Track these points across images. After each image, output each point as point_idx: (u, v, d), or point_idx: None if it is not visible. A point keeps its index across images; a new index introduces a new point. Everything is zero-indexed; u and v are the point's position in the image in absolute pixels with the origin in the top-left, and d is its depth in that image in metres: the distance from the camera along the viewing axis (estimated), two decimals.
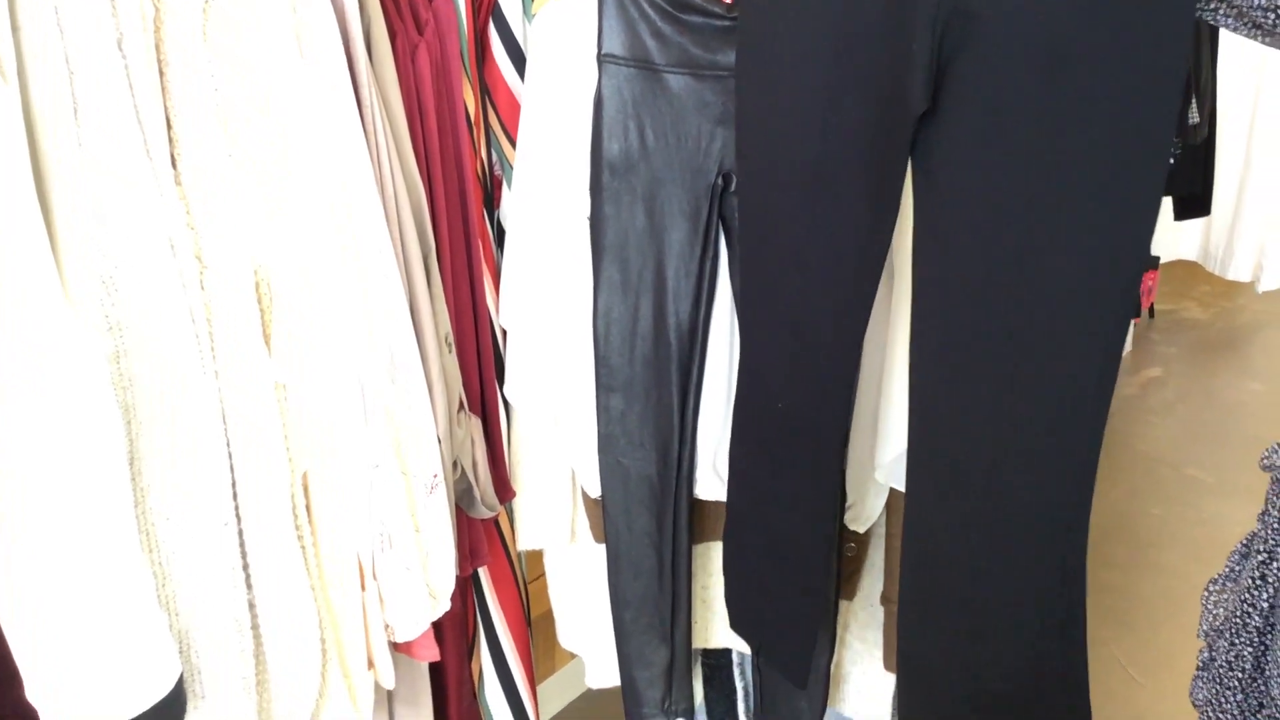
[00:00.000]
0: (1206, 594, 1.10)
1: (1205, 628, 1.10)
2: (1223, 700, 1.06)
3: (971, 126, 1.11)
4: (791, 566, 1.43)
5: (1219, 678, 1.06)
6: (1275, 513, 1.00)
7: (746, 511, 1.45)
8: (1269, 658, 1.00)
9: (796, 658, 1.48)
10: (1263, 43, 0.97)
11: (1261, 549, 1.00)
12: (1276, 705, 0.97)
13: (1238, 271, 4.06)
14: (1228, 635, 1.05)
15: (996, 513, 1.18)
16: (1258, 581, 1.00)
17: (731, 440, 1.43)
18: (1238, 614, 1.03)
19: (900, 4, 1.10)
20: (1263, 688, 1.02)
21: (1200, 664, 1.10)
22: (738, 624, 1.57)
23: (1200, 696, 1.09)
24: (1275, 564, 0.99)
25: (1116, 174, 1.06)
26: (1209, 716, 1.08)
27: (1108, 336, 1.11)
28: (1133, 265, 0.98)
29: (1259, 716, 1.03)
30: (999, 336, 1.14)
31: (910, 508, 1.26)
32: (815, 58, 1.18)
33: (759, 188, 1.30)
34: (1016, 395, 1.15)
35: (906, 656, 1.32)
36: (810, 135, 1.20)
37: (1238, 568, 1.05)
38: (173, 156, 1.07)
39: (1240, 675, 1.04)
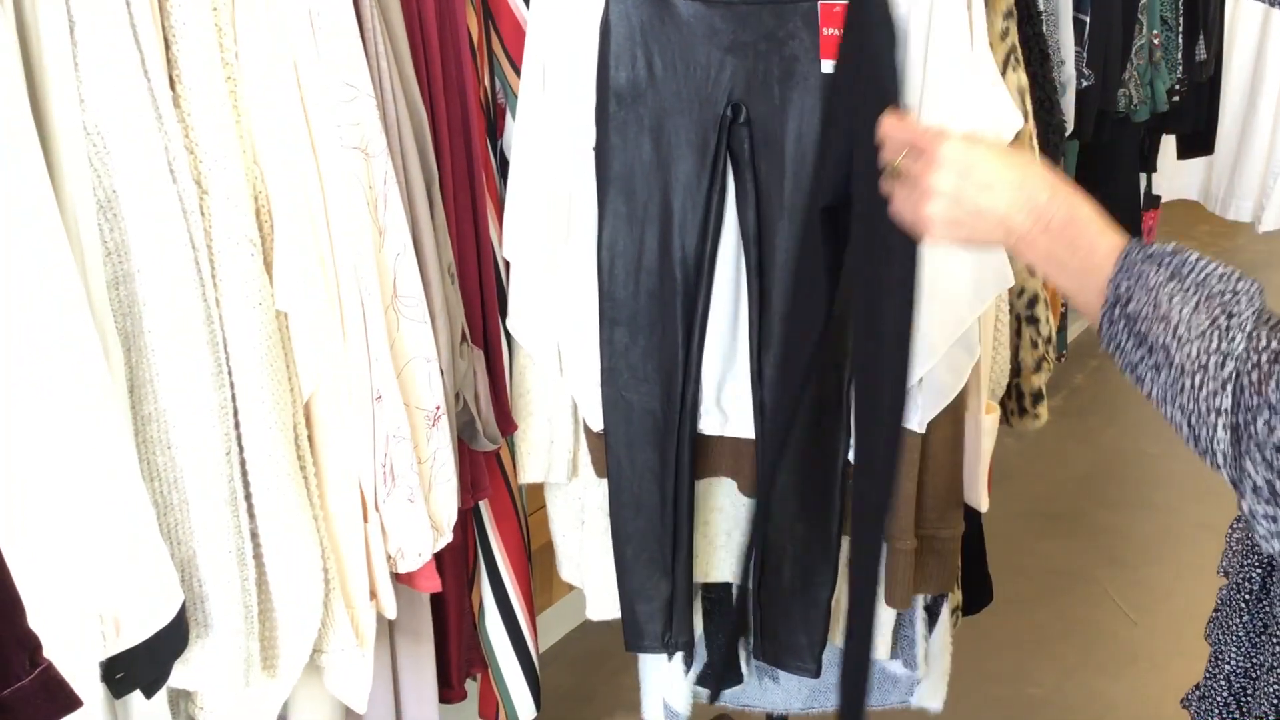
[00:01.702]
0: (1230, 531, 1.11)
1: (1224, 564, 1.10)
2: (1230, 623, 1.06)
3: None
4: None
5: (1228, 601, 1.07)
6: None
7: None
8: (1275, 577, 1.01)
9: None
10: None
11: None
12: None
13: (1238, 212, 4.03)
14: (1238, 560, 1.05)
15: None
16: None
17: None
18: (1249, 538, 1.03)
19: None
20: (1268, 608, 1.02)
21: (1218, 602, 1.11)
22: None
23: (1214, 630, 1.10)
24: None
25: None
26: (1217, 641, 1.08)
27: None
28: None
29: (1263, 638, 1.03)
30: None
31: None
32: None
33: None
34: None
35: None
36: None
37: None
38: (171, 78, 1.05)
39: (1247, 596, 1.04)
